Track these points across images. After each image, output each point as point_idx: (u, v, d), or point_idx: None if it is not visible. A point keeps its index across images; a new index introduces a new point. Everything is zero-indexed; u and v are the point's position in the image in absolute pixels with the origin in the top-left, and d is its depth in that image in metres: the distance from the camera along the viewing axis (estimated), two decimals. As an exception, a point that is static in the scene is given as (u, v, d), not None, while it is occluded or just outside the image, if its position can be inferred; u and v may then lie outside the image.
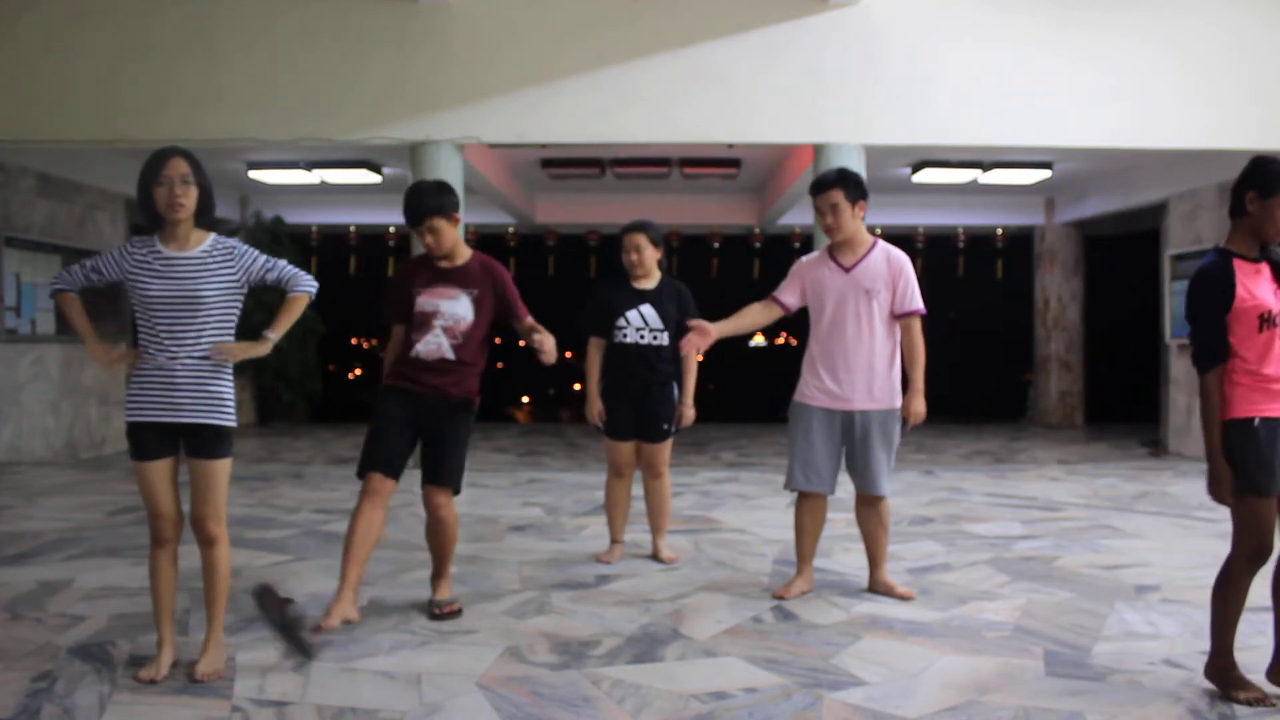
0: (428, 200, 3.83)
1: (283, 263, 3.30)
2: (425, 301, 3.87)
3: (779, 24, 7.91)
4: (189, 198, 3.13)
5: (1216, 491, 2.97)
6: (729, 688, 3.11)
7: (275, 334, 3.27)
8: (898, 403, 4.16)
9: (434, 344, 3.83)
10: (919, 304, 4.17)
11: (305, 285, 3.33)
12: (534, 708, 2.95)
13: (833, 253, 4.23)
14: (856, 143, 7.98)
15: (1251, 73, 7.89)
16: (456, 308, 3.86)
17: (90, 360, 3.30)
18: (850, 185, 4.15)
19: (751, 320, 4.29)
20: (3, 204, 8.71)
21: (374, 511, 3.81)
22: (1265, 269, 3.02)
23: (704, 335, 4.06)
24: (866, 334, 4.11)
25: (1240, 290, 2.94)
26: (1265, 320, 2.93)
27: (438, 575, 4.03)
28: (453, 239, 3.90)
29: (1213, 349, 2.97)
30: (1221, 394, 2.96)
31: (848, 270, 4.15)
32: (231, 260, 3.20)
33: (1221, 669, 3.04)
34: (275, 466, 8.73)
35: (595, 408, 4.84)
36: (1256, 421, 2.93)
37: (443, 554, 3.99)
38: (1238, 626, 3.04)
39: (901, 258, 4.20)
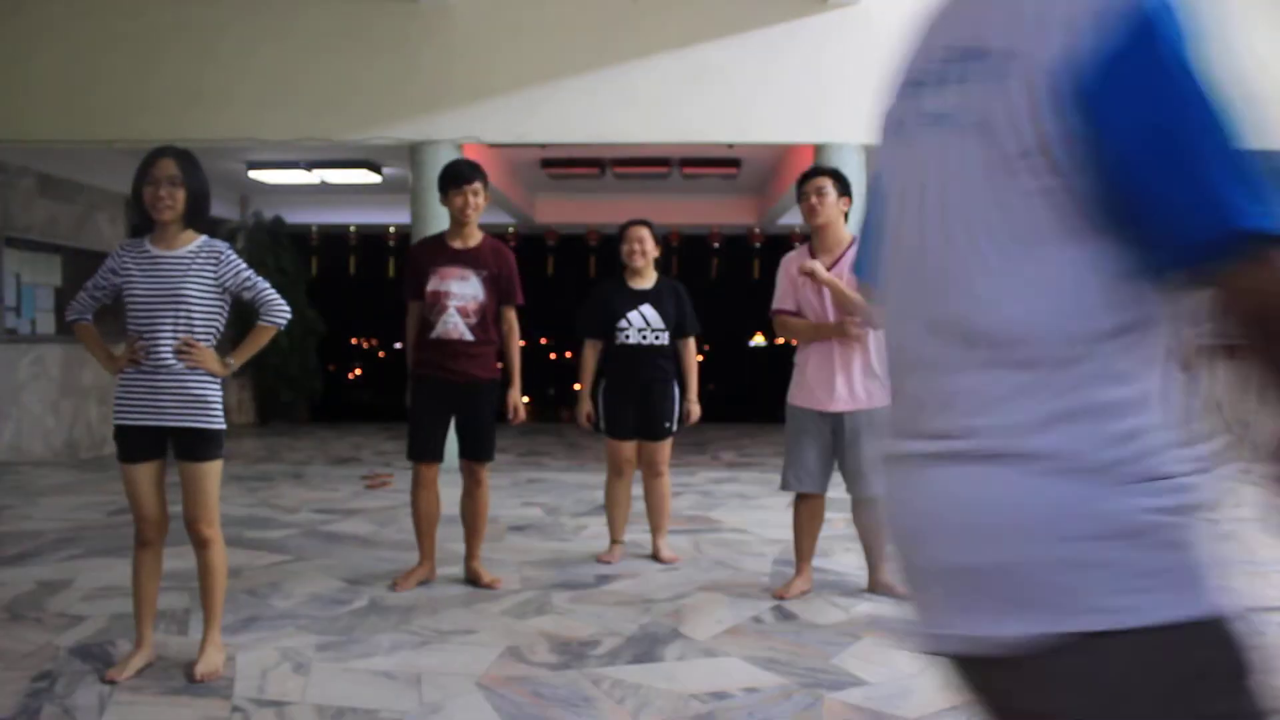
0: (474, 169, 4.31)
1: (264, 284, 3.27)
2: (438, 282, 4.22)
3: (779, 24, 7.91)
4: (176, 199, 3.12)
5: None
6: (729, 688, 3.11)
7: (236, 361, 3.26)
8: (886, 399, 4.13)
9: (450, 324, 4.19)
10: None
11: (276, 315, 3.29)
12: (534, 708, 2.95)
13: (814, 253, 4.23)
14: (857, 143, 7.98)
15: (1254, 73, 7.90)
16: (467, 288, 4.21)
17: (91, 361, 3.30)
18: (840, 179, 4.22)
19: (798, 330, 4.24)
20: (3, 204, 8.71)
21: (430, 493, 4.37)
22: None
23: None
24: (854, 337, 4.09)
25: None
26: None
27: (473, 554, 4.40)
28: (481, 211, 4.31)
29: None
30: None
31: (827, 270, 4.14)
32: (217, 264, 3.19)
33: None
34: (275, 466, 8.73)
35: (585, 409, 4.86)
36: None
37: (479, 524, 4.38)
38: None
39: None
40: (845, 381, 4.10)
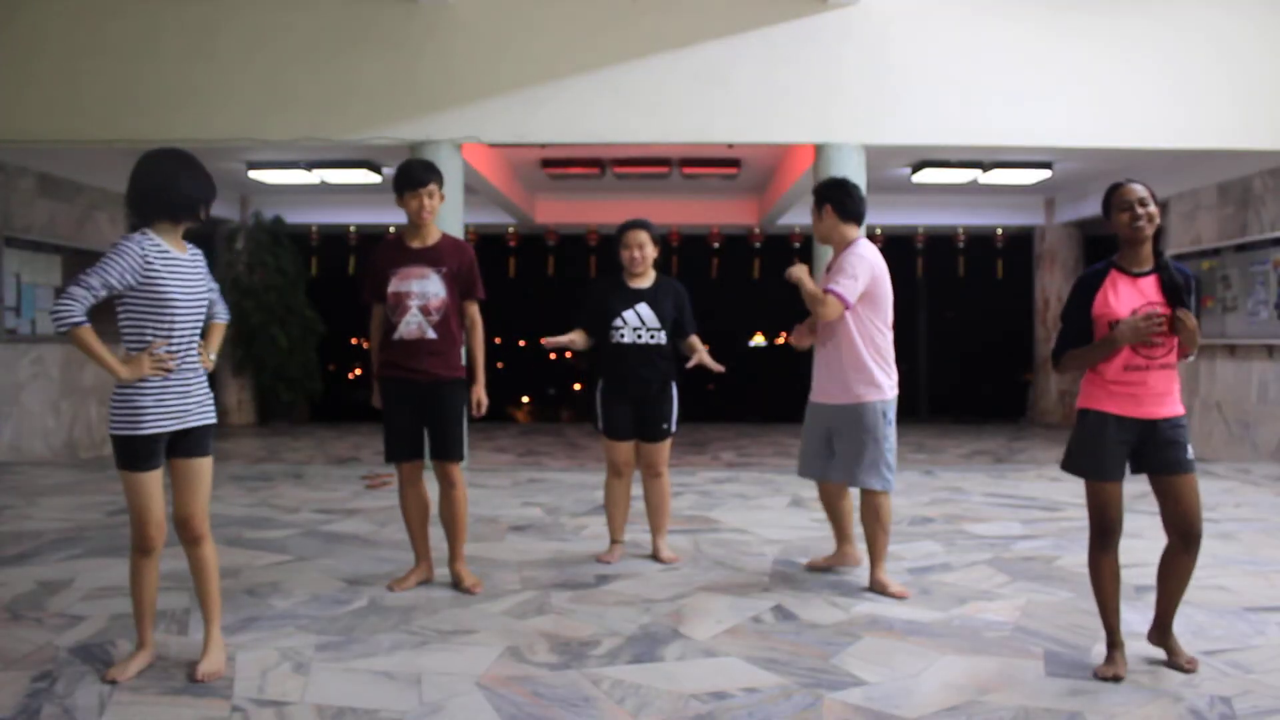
0: (430, 170, 4.24)
1: (216, 287, 3.43)
2: (399, 283, 4.22)
3: (779, 24, 7.91)
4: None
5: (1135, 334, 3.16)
6: (729, 688, 3.11)
7: (214, 357, 3.41)
8: (871, 396, 4.24)
9: (413, 324, 4.20)
10: (833, 284, 4.19)
11: (221, 316, 3.49)
12: (534, 708, 2.95)
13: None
14: (857, 142, 7.98)
15: (1257, 74, 7.89)
16: (428, 286, 4.21)
17: (91, 361, 3.24)
18: (821, 193, 4.40)
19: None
20: (3, 204, 8.71)
21: (415, 490, 4.38)
22: (1146, 281, 3.25)
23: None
24: (831, 332, 4.30)
25: (1099, 297, 3.24)
26: (1114, 328, 3.19)
27: (455, 556, 4.37)
28: (436, 212, 4.28)
29: (1066, 344, 3.31)
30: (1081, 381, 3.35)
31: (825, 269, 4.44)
32: (207, 266, 3.34)
33: (1107, 643, 3.31)
34: (275, 466, 8.72)
35: (562, 339, 4.78)
36: (1090, 414, 3.26)
37: (458, 526, 4.34)
38: (1118, 606, 3.31)
39: (849, 249, 4.29)
40: (837, 375, 4.31)
